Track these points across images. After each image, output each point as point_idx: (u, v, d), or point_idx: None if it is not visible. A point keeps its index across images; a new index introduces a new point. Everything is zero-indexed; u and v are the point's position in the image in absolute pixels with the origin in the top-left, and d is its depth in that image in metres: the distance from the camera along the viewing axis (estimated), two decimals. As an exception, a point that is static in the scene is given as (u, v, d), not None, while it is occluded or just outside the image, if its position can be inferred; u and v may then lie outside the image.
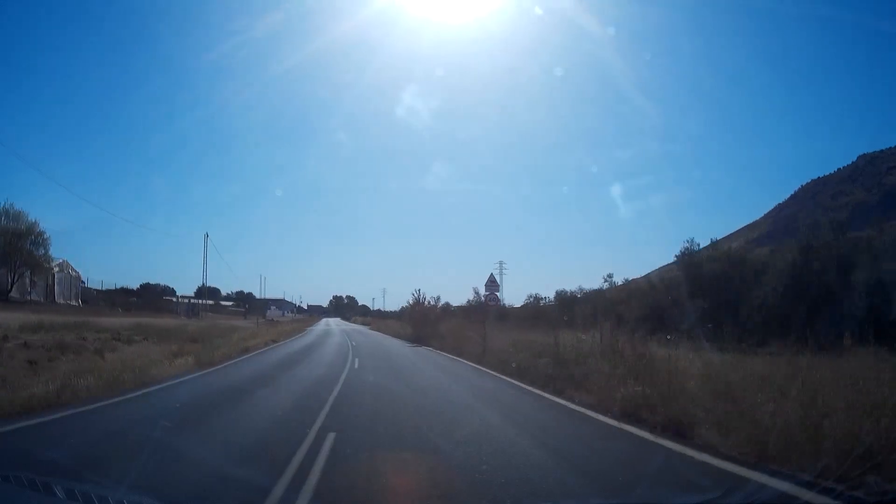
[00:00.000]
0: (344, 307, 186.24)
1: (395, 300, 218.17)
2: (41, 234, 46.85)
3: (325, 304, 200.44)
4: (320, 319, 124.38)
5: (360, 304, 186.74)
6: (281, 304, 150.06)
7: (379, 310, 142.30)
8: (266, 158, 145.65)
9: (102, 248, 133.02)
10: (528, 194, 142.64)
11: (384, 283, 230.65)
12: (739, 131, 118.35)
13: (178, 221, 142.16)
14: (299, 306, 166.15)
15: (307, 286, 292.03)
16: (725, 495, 4.42)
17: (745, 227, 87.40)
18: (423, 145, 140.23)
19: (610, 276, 40.76)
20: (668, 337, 15.13)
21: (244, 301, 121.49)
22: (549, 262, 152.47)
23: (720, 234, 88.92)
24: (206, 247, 68.14)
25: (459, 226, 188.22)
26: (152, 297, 75.10)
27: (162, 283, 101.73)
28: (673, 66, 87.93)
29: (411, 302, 39.30)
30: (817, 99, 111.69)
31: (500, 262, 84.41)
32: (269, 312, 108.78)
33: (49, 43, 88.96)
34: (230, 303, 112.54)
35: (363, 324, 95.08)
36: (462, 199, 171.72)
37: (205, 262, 69.10)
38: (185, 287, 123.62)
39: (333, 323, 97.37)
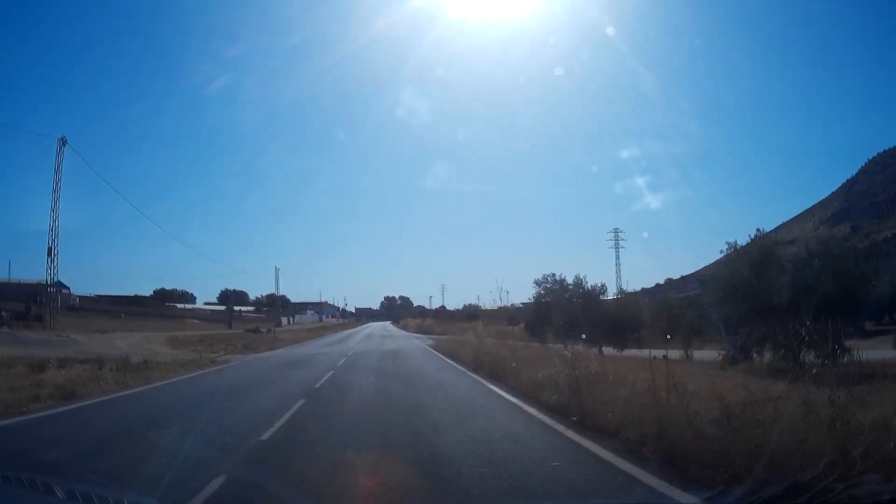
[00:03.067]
0: (397, 309, 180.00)
1: (456, 299, 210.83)
2: None
3: (376, 306, 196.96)
4: (360, 325, 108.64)
5: (415, 304, 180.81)
6: (320, 307, 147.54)
7: (443, 307, 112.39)
8: (305, 161, 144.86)
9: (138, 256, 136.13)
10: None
11: (440, 281, 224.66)
12: (799, 110, 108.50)
13: (218, 229, 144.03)
14: (343, 310, 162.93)
15: (357, 289, 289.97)
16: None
17: (816, 204, 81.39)
18: (476, 144, 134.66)
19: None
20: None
21: (277, 305, 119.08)
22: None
23: (789, 216, 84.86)
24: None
25: (517, 222, 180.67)
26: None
27: (181, 288, 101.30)
28: (719, 46, 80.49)
29: None
30: (876, 71, 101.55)
31: (616, 230, 74.46)
32: (296, 318, 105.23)
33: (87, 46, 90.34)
34: (246, 308, 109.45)
35: (419, 331, 60.46)
36: (512, 196, 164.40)
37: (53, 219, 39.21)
38: (210, 294, 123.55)
39: (366, 333, 63.59)
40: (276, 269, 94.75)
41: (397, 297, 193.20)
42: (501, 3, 51.99)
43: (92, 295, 66.82)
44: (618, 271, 73.08)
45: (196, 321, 58.84)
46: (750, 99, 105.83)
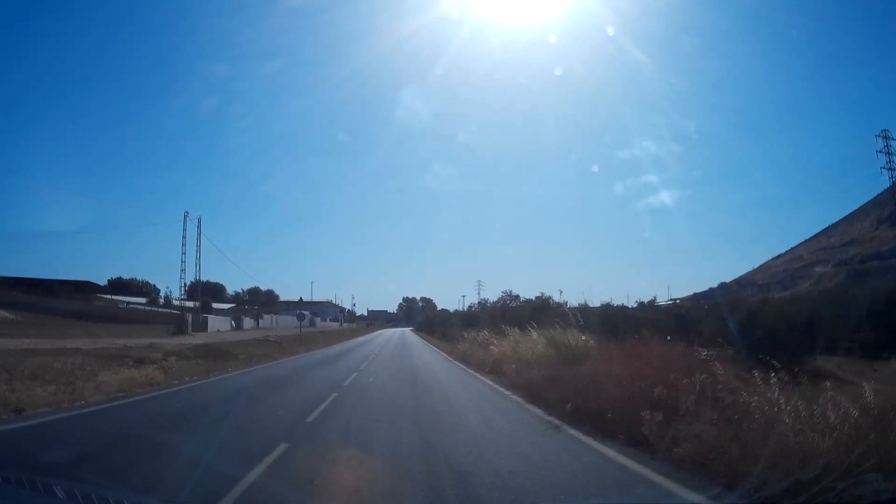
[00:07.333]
0: (417, 312, 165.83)
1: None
2: None
3: (392, 308, 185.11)
4: (352, 339, 63.55)
5: (439, 307, 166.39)
6: (320, 308, 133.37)
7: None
8: (324, 163, 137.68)
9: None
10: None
11: (467, 282, 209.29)
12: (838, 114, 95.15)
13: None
14: (350, 312, 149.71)
15: (372, 290, 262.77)
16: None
17: (868, 203, 74.73)
18: (498, 143, 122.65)
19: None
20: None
21: (258, 303, 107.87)
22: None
23: (835, 218, 71.53)
24: None
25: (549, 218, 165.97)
26: None
27: (141, 278, 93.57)
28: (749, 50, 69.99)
29: None
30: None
31: (884, 133, 63.66)
32: (265, 320, 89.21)
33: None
34: (224, 305, 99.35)
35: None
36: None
37: None
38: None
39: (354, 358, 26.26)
40: (198, 220, 56.60)
41: (418, 298, 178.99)
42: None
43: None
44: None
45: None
46: (772, 104, 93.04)
